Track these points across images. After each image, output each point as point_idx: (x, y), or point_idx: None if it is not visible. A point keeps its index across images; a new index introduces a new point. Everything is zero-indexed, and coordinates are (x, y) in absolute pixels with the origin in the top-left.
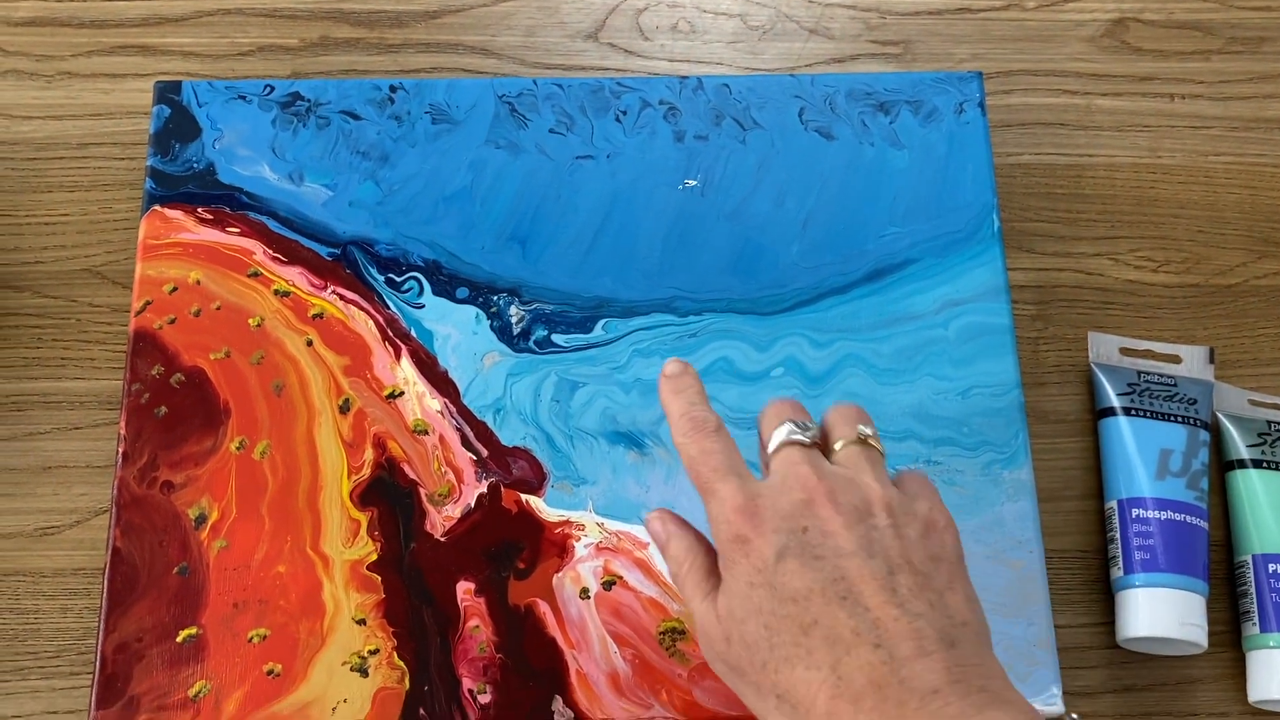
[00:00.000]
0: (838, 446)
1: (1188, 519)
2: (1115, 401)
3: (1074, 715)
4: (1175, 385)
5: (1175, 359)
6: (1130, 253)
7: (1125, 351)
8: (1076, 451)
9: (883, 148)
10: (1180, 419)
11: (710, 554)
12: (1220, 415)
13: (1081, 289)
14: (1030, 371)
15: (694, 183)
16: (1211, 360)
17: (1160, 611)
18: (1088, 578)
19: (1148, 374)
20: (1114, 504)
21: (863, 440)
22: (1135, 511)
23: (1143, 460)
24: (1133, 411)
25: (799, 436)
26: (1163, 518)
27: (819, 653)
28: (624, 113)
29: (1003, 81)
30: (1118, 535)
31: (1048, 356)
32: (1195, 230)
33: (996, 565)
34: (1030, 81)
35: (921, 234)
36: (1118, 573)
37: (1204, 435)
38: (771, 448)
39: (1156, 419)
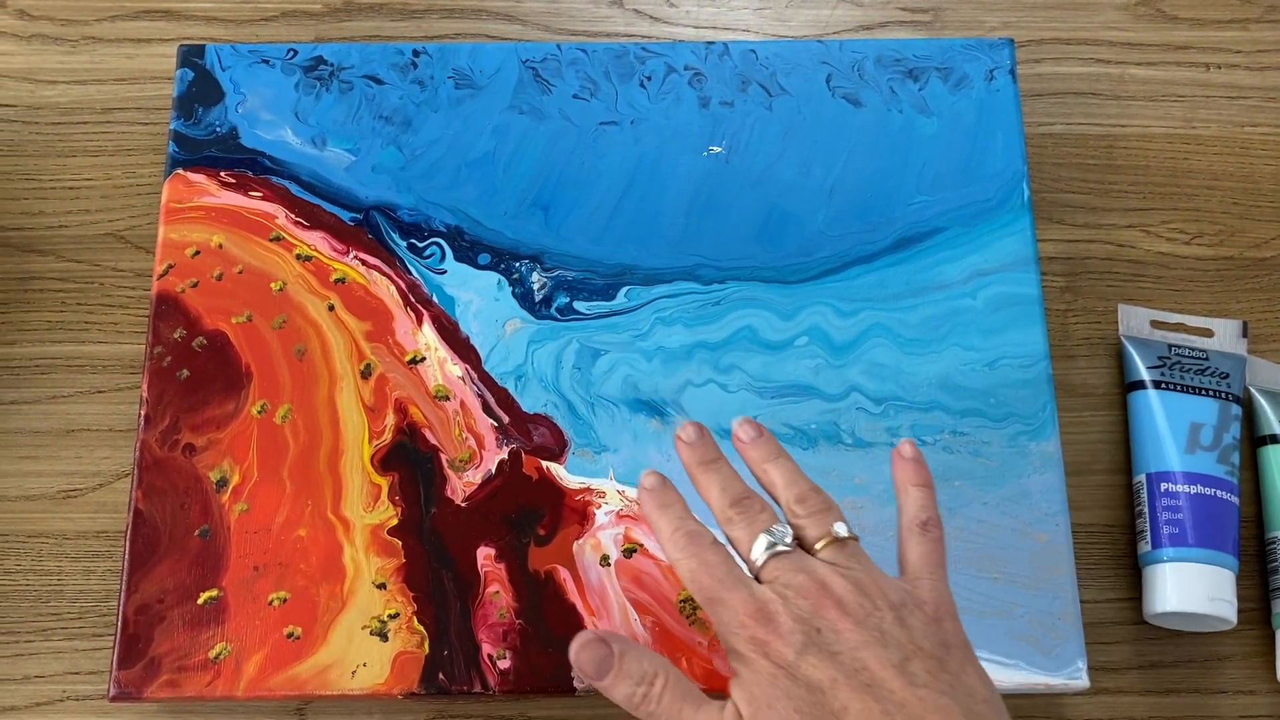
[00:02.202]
0: (819, 547)
1: (1218, 493)
2: (1145, 375)
3: None
4: (1207, 359)
5: (1208, 332)
6: (1162, 225)
7: (1156, 324)
8: (1104, 425)
9: (911, 115)
10: (1212, 393)
11: (675, 668)
12: (1253, 390)
13: (1112, 261)
14: (1059, 344)
15: (719, 149)
16: (1245, 334)
17: (1188, 586)
18: (1114, 552)
19: (1179, 347)
20: (1142, 478)
21: (838, 538)
22: (1164, 485)
23: (1172, 434)
24: (1163, 385)
25: (780, 547)
26: (1192, 492)
27: None
28: (649, 78)
29: (1034, 50)
30: (1146, 509)
31: (1076, 329)
32: (1230, 202)
33: (1022, 538)
34: (1062, 50)
35: (950, 202)
36: (1145, 547)
37: (1236, 410)
38: (758, 561)
39: (1187, 393)
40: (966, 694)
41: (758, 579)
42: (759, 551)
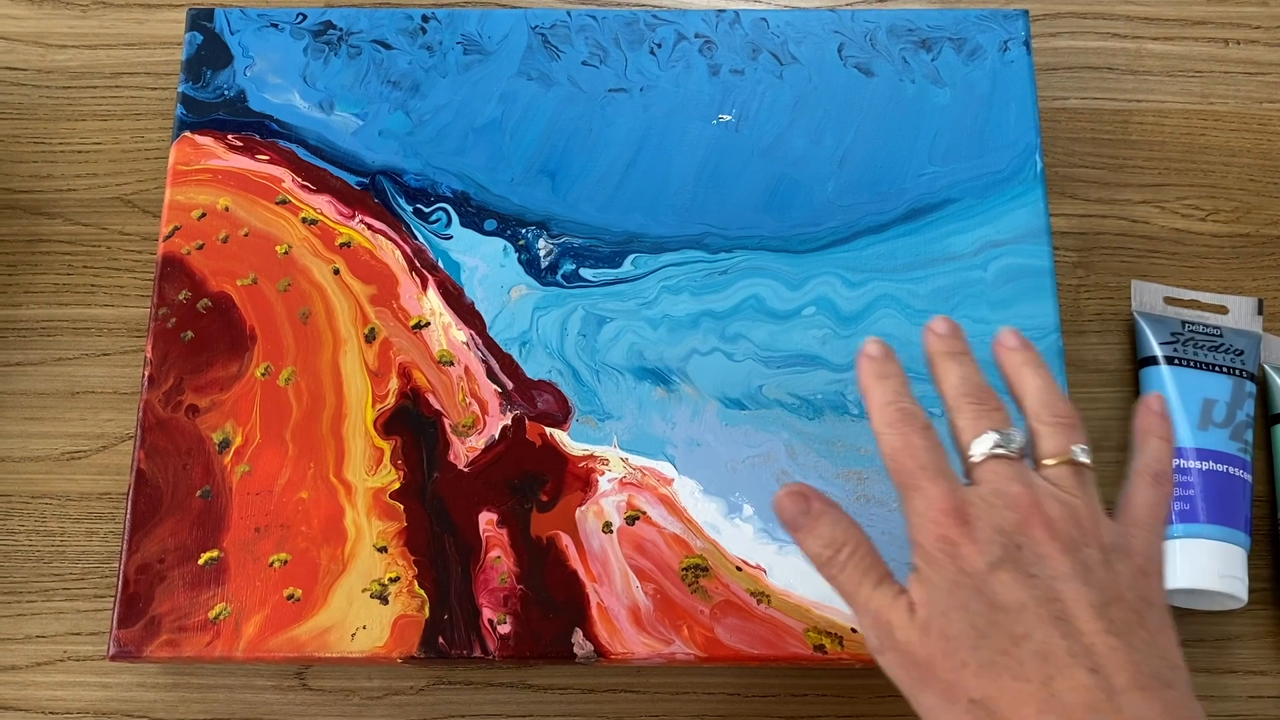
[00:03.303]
0: (1050, 463)
1: (1230, 470)
2: (1158, 351)
3: None
4: (1221, 336)
5: (1222, 309)
6: (1178, 200)
7: (1170, 301)
8: (1115, 401)
9: (924, 85)
10: (1225, 369)
11: (869, 541)
12: (1268, 368)
13: (1126, 237)
14: (1070, 320)
15: (729, 118)
16: (1260, 312)
17: (1199, 563)
18: None
19: (1193, 324)
20: None
21: (1075, 462)
22: (1176, 462)
23: (1185, 410)
24: (1176, 361)
25: (1004, 451)
26: (1204, 468)
27: (1029, 666)
28: (659, 45)
29: (1049, 24)
30: None
31: (1089, 305)
32: (1246, 179)
33: None
34: (1078, 24)
35: (962, 173)
36: None
37: (1250, 387)
38: (976, 457)
39: (1201, 369)
40: (1160, 656)
41: (969, 477)
42: (981, 447)
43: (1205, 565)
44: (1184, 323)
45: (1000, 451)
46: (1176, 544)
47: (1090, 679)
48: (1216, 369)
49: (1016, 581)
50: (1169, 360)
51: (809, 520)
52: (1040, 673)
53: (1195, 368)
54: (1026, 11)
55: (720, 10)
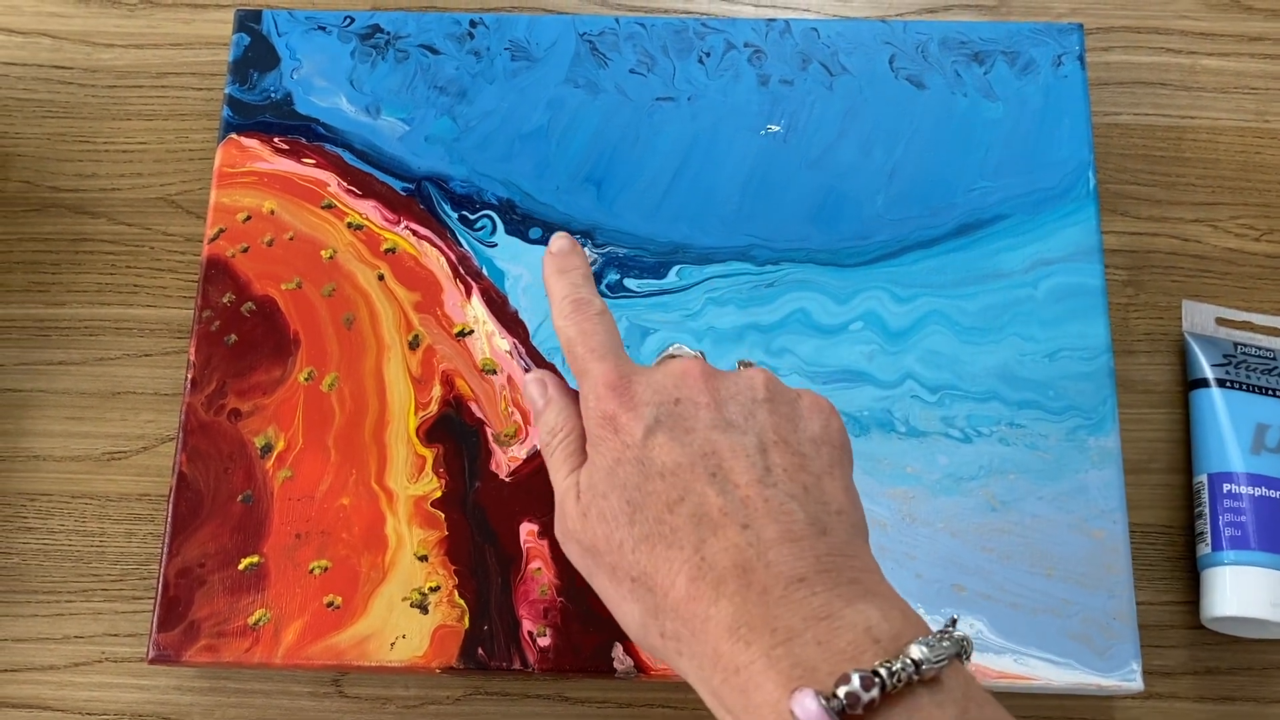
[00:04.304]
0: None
1: None
2: (1209, 373)
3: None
4: (1275, 359)
5: (1276, 332)
6: (1231, 220)
7: (1222, 322)
8: (1164, 423)
9: (976, 99)
10: (1279, 393)
11: (582, 430)
12: None
13: (1177, 255)
14: (1119, 339)
15: (777, 128)
16: None
17: (1249, 591)
18: (1171, 554)
19: (1245, 346)
20: (1203, 478)
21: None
22: (1226, 486)
23: (1236, 434)
24: (1228, 384)
25: (687, 350)
26: (1256, 494)
27: (683, 531)
28: (707, 54)
29: (1102, 38)
30: (1206, 511)
31: (1138, 324)
32: None
33: (1078, 535)
34: (1132, 39)
35: (1013, 189)
36: (1205, 549)
37: None
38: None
39: (1253, 392)
40: (819, 502)
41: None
42: (663, 354)
43: (1256, 593)
44: (1236, 344)
45: (683, 350)
46: (1226, 570)
47: (741, 536)
48: (1270, 392)
49: (672, 440)
50: (1220, 383)
51: (542, 405)
52: (694, 537)
53: (1248, 391)
54: (1081, 26)
55: (770, 19)
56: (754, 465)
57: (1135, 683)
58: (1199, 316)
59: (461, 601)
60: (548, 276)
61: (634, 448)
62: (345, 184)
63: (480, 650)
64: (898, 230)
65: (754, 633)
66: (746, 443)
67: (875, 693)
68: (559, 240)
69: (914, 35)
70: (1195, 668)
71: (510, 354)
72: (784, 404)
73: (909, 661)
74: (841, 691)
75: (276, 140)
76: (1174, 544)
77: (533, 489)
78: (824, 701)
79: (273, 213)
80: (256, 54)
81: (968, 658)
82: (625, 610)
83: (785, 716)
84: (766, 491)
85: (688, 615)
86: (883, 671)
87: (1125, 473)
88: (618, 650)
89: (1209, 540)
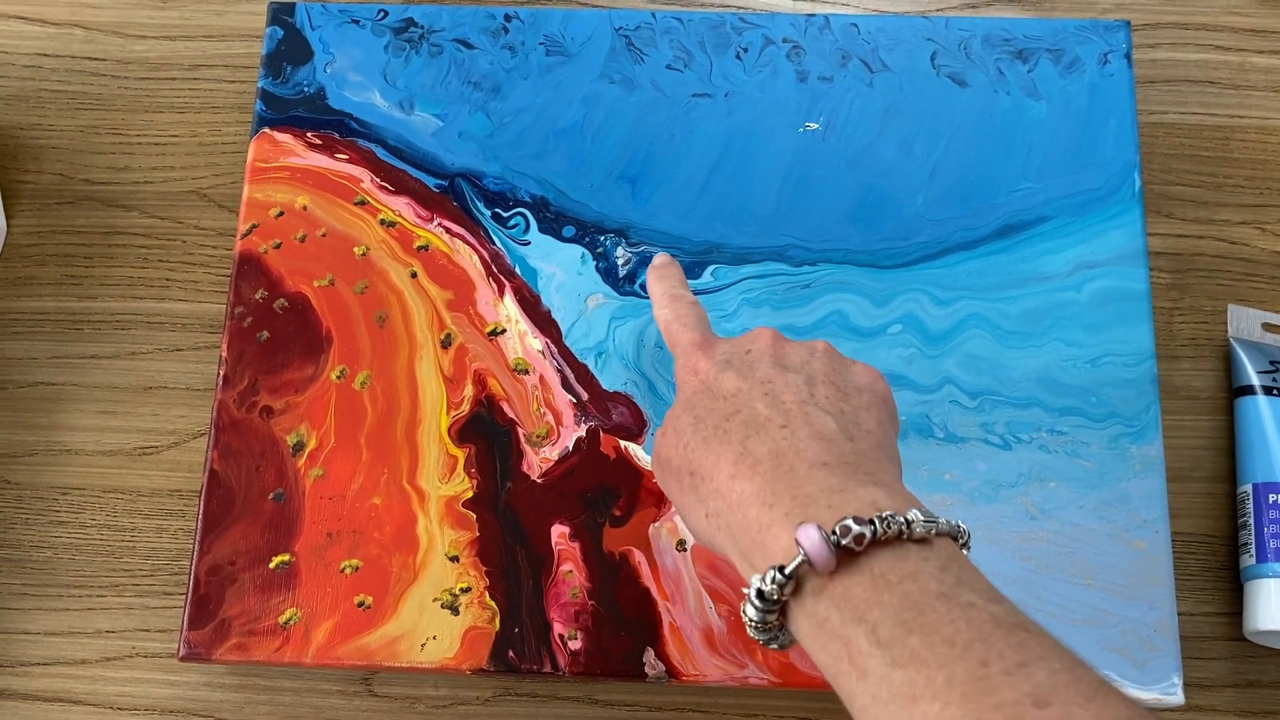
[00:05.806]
0: None
1: None
2: (1255, 380)
3: None
4: None
5: None
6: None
7: (1269, 327)
8: (1207, 431)
9: (1019, 97)
10: None
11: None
12: None
13: (1223, 259)
14: (1163, 344)
15: (815, 125)
16: None
17: None
18: (1213, 565)
19: None
20: (1248, 488)
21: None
22: (1272, 497)
23: None
24: (1275, 391)
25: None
26: None
27: (734, 434)
28: (745, 50)
29: (1148, 35)
30: (1251, 521)
31: (1182, 329)
32: None
33: (1119, 544)
34: (1179, 35)
35: (1057, 190)
36: (1249, 561)
37: None
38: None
39: None
40: (852, 422)
41: None
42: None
43: None
44: None
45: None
46: (1271, 583)
47: (779, 433)
48: None
49: (738, 375)
50: (1267, 390)
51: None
52: (741, 435)
53: None
54: (1128, 23)
55: (809, 15)
56: (800, 392)
57: (1176, 696)
58: (1245, 321)
59: (492, 603)
60: (650, 284)
61: (707, 382)
62: (378, 180)
63: (511, 652)
64: (938, 231)
65: (778, 498)
66: (798, 380)
67: (867, 530)
68: (660, 257)
69: (956, 31)
70: (1237, 680)
71: (543, 354)
72: (837, 361)
73: (902, 519)
74: (838, 527)
75: (309, 135)
76: (1216, 554)
77: (564, 491)
78: (823, 532)
79: (305, 208)
80: (290, 47)
81: (966, 548)
82: (684, 502)
83: (793, 548)
84: (807, 407)
85: (727, 492)
86: (875, 519)
87: (1167, 480)
88: (649, 655)
89: (1253, 551)
